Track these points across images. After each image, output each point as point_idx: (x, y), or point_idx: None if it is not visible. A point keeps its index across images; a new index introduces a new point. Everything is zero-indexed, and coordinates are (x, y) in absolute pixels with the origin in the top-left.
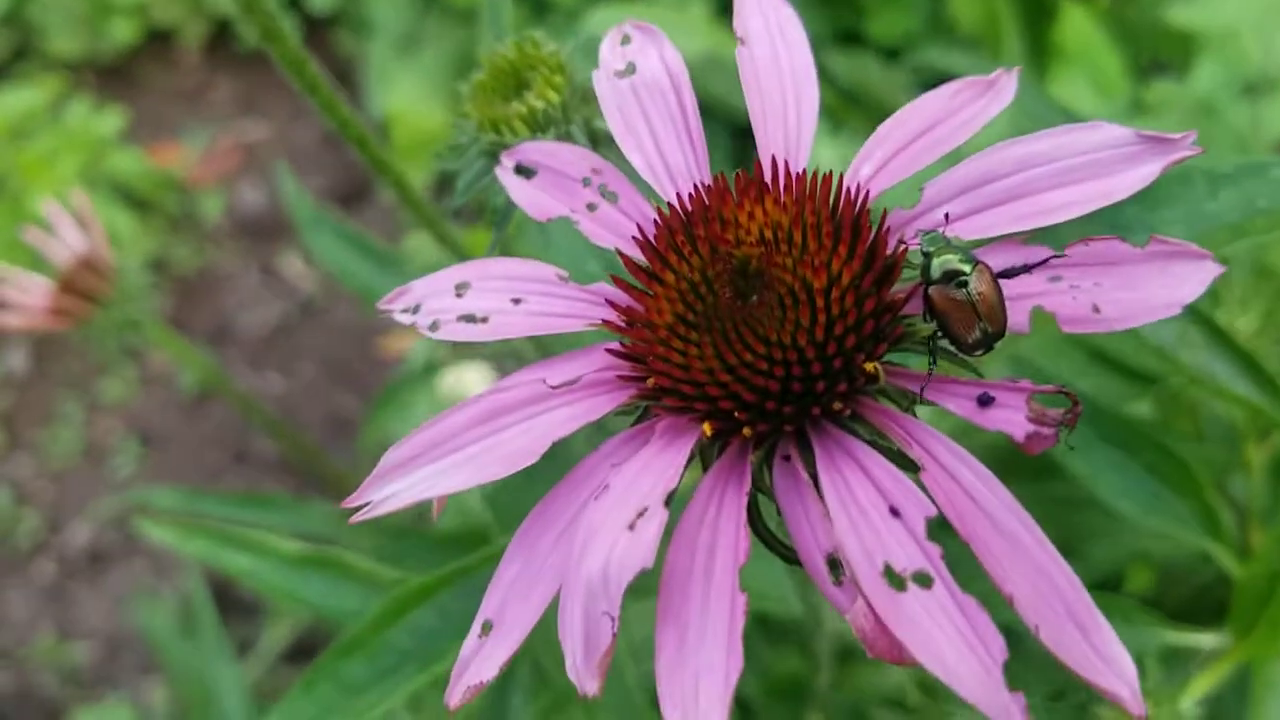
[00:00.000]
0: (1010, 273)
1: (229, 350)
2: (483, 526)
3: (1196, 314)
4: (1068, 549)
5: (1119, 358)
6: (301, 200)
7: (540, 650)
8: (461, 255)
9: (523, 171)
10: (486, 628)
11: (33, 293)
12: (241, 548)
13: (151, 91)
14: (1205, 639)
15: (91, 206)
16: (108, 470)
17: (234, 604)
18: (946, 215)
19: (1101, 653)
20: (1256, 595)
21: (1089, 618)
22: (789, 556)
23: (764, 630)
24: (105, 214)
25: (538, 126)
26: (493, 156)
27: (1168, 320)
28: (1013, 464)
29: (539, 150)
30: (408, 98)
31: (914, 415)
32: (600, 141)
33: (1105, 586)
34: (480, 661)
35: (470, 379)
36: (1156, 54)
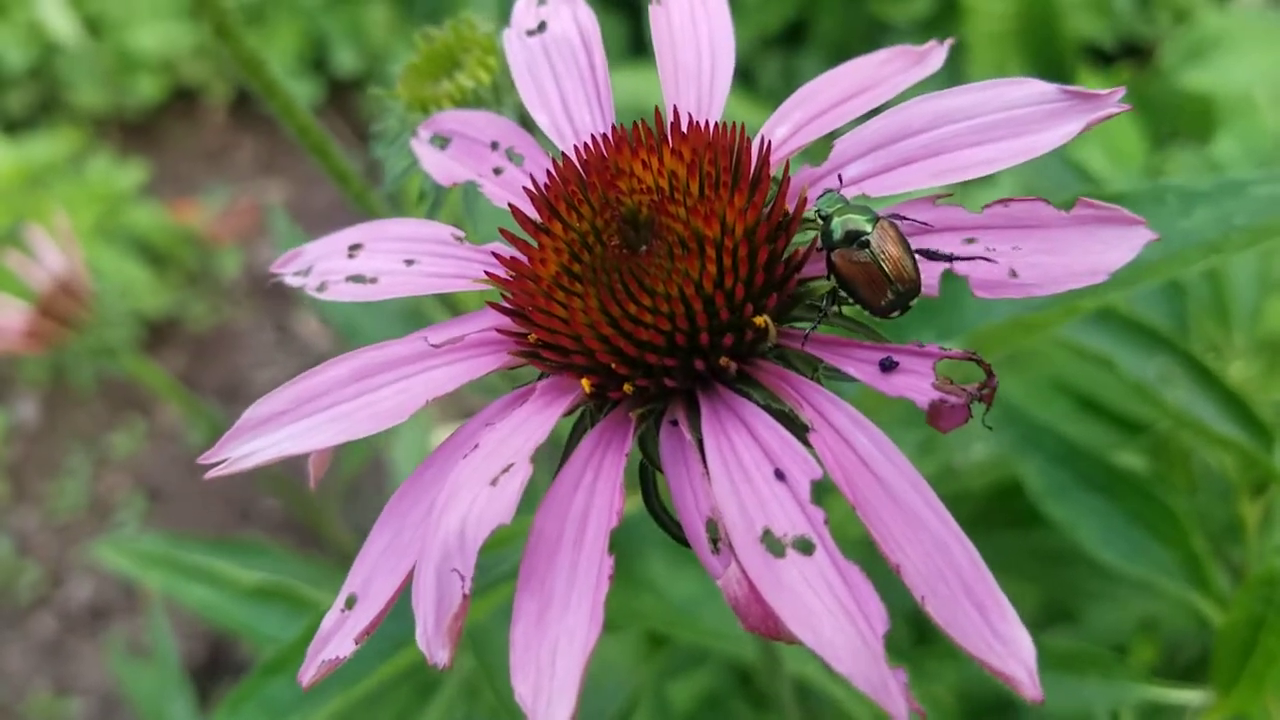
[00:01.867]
0: (929, 254)
1: (240, 408)
2: None
3: (1181, 352)
4: (1061, 611)
5: (1107, 403)
6: (292, 238)
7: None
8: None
9: (438, 141)
10: (350, 602)
11: (11, 316)
12: (199, 579)
13: (175, 148)
14: (1189, 695)
15: (72, 233)
16: (112, 525)
17: (230, 666)
18: (840, 176)
19: (999, 632)
20: (1238, 646)
21: (987, 595)
22: (676, 532)
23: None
24: (121, 266)
25: (467, 106)
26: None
27: (1152, 356)
28: (992, 513)
29: (455, 119)
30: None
31: (819, 382)
32: (532, 125)
33: None
34: (340, 637)
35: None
36: (1176, 127)
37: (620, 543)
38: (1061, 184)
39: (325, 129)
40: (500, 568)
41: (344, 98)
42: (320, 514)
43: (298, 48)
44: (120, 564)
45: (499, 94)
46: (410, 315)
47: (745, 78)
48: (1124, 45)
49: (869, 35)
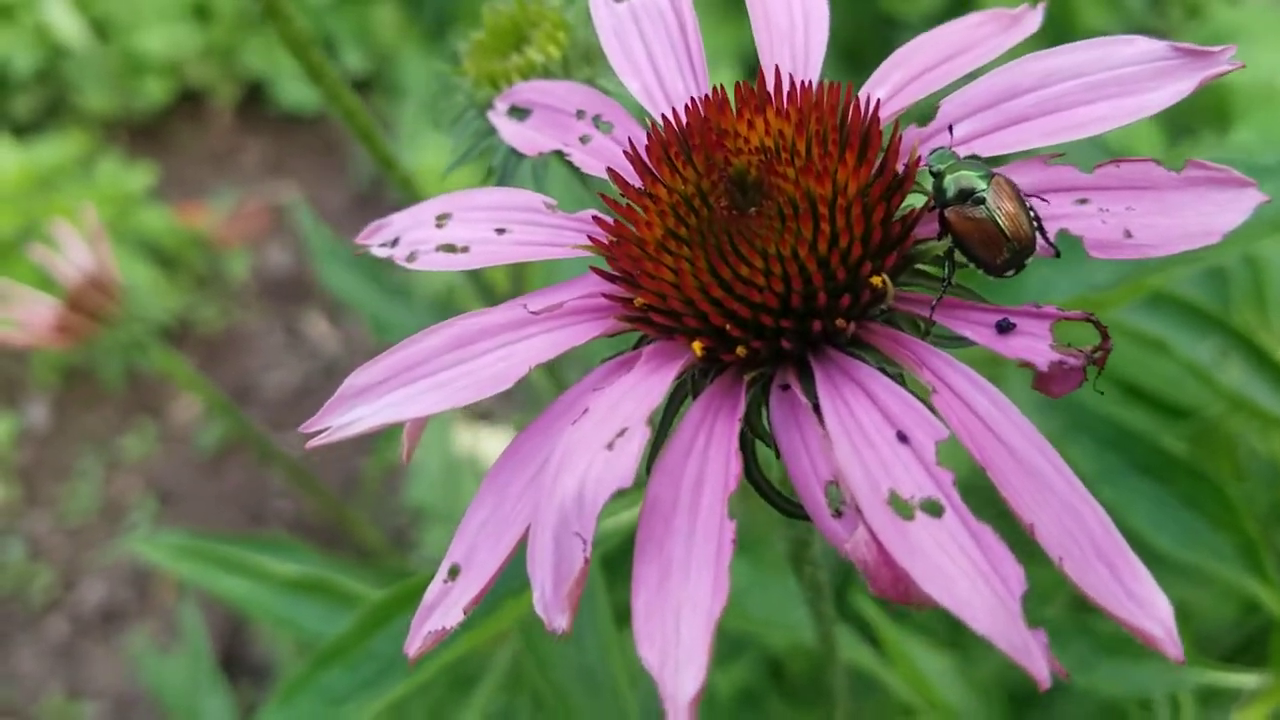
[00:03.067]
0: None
1: (251, 411)
2: None
3: (1236, 334)
4: None
5: (1152, 390)
6: (318, 234)
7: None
8: (489, 292)
9: (516, 113)
10: (454, 572)
11: (40, 311)
12: (236, 571)
13: (182, 151)
14: (1246, 679)
15: (101, 229)
16: (124, 528)
17: (245, 666)
18: (951, 128)
19: (1133, 592)
20: None
21: (1119, 556)
22: (784, 506)
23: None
24: (131, 269)
25: (537, 80)
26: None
27: (1204, 338)
28: None
29: (534, 89)
30: (438, 157)
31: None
32: (610, 96)
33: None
34: (445, 608)
35: (485, 437)
36: (1190, 121)
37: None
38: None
39: (334, 127)
40: None
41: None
42: (336, 508)
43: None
44: (153, 556)
45: (569, 69)
46: (441, 307)
47: (753, 76)
48: None
49: (879, 32)
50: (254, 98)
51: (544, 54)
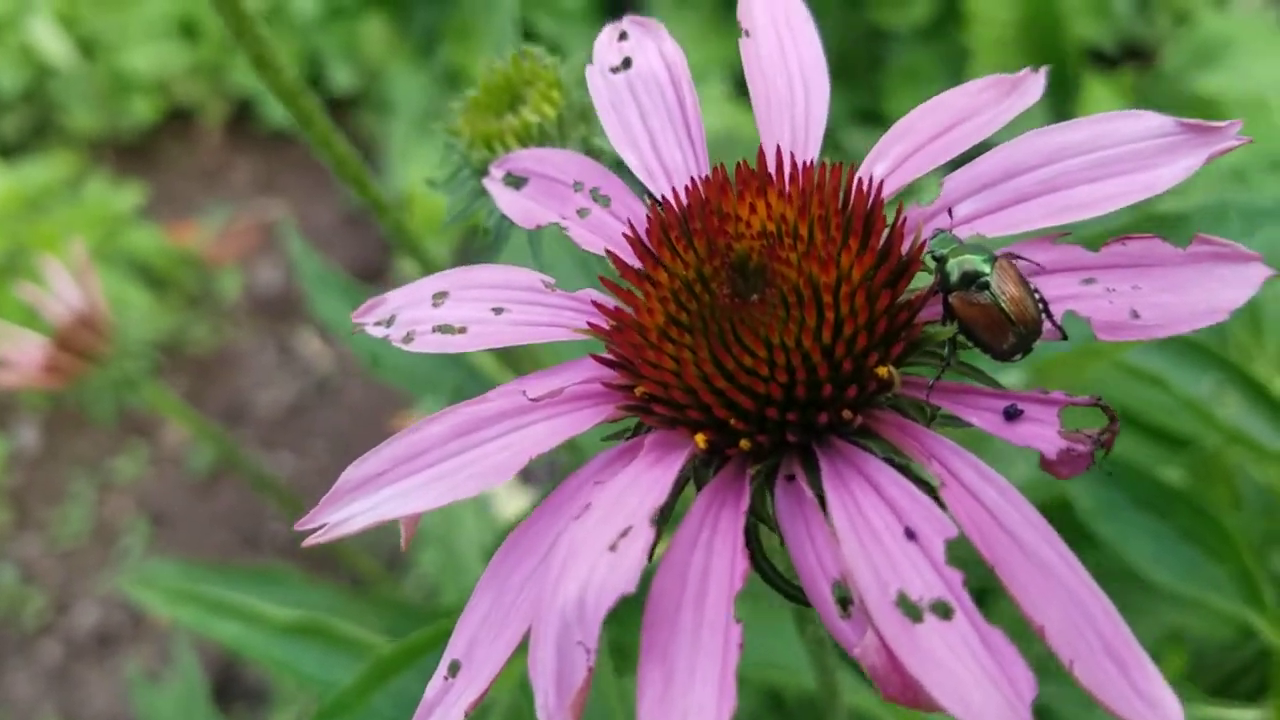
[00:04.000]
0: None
1: (243, 430)
2: None
3: (1234, 369)
4: None
5: (1150, 420)
6: (308, 260)
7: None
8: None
9: (513, 181)
10: (454, 668)
11: (29, 350)
12: (232, 615)
13: (171, 170)
14: (1246, 715)
15: (90, 264)
16: (116, 551)
17: (240, 691)
18: (950, 211)
19: (1142, 691)
20: None
21: (1128, 652)
22: (791, 592)
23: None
24: (121, 290)
25: (532, 142)
26: (485, 174)
27: (1203, 373)
28: None
29: (530, 157)
30: (428, 175)
31: (934, 430)
32: (601, 159)
33: None
34: (446, 707)
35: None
36: None
37: None
38: None
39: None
40: None
41: (340, 115)
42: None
43: (294, 66)
44: (147, 599)
45: (564, 129)
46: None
47: (743, 89)
48: (1124, 47)
49: (869, 42)
50: (243, 116)
51: (539, 114)
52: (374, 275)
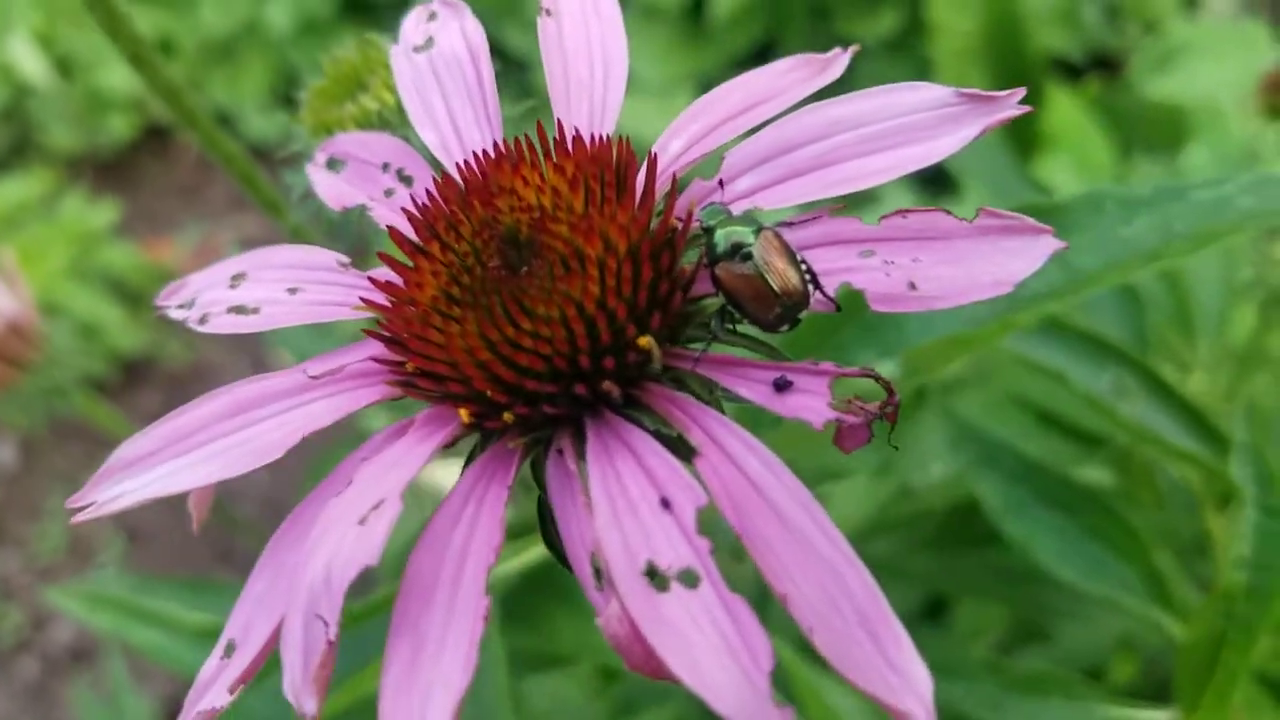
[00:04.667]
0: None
1: None
2: None
3: (1137, 364)
4: (1032, 630)
5: (1066, 418)
6: None
7: None
8: None
9: (334, 164)
10: (230, 649)
11: None
12: (149, 622)
13: (148, 187)
14: (1156, 715)
15: (19, 272)
16: (93, 567)
17: None
18: (721, 183)
19: (895, 664)
20: (1200, 663)
21: (883, 625)
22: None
23: None
24: (95, 305)
25: (371, 129)
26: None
27: (1104, 368)
28: (954, 532)
29: (352, 141)
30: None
31: (718, 406)
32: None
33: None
34: (218, 686)
35: (441, 466)
36: (1148, 140)
37: (571, 576)
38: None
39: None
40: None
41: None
42: None
43: (269, 82)
44: (71, 608)
45: (404, 116)
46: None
47: None
48: (1094, 57)
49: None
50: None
51: (379, 100)
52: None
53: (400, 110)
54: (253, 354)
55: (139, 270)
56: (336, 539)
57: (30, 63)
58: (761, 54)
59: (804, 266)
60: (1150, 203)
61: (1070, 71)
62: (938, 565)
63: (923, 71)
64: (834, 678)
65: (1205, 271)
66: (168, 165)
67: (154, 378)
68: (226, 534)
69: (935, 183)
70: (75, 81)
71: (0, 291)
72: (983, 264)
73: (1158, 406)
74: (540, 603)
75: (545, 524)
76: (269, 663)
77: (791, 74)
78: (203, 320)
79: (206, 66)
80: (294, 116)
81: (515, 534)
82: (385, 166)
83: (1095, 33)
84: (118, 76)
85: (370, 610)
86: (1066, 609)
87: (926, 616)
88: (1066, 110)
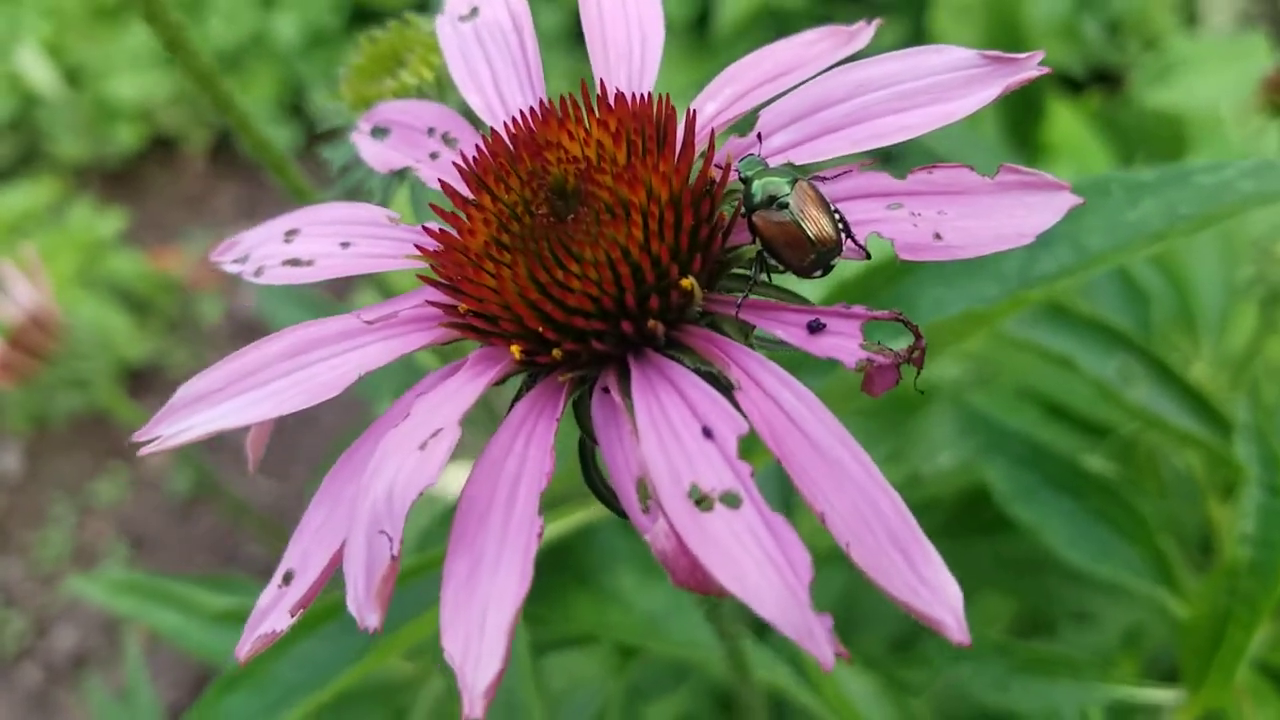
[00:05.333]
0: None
1: (222, 454)
2: None
3: (1143, 351)
4: (1039, 621)
5: (1073, 409)
6: None
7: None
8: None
9: (378, 133)
10: (288, 578)
11: None
12: (170, 604)
13: (155, 196)
14: (1162, 695)
15: (40, 265)
16: (97, 573)
17: None
18: (760, 135)
19: (924, 578)
20: (1205, 641)
21: (914, 544)
22: (616, 506)
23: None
24: (102, 314)
25: None
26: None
27: (1111, 355)
28: (962, 520)
29: (394, 109)
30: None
31: (752, 346)
32: (476, 120)
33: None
34: (278, 612)
35: (451, 469)
36: (1150, 152)
37: (589, 555)
38: None
39: (303, 171)
40: None
41: (324, 138)
42: None
43: (276, 93)
44: (91, 593)
45: (443, 90)
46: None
47: None
48: (1094, 72)
49: None
50: (225, 142)
51: (417, 76)
52: (343, 292)
53: (439, 85)
54: None
55: (145, 279)
56: (397, 463)
57: (39, 73)
58: None
59: (837, 216)
60: (1154, 187)
61: (1071, 85)
62: (946, 554)
63: None
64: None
65: (1207, 271)
66: (174, 175)
67: (160, 386)
68: (231, 540)
69: None
70: (83, 91)
71: (22, 284)
72: (1004, 217)
73: (1163, 391)
74: (559, 583)
75: (586, 464)
76: (325, 609)
77: (820, 44)
78: (258, 273)
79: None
80: (333, 94)
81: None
82: (430, 131)
83: (1096, 48)
84: (126, 86)
85: (424, 565)
86: (1074, 599)
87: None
88: (1068, 123)
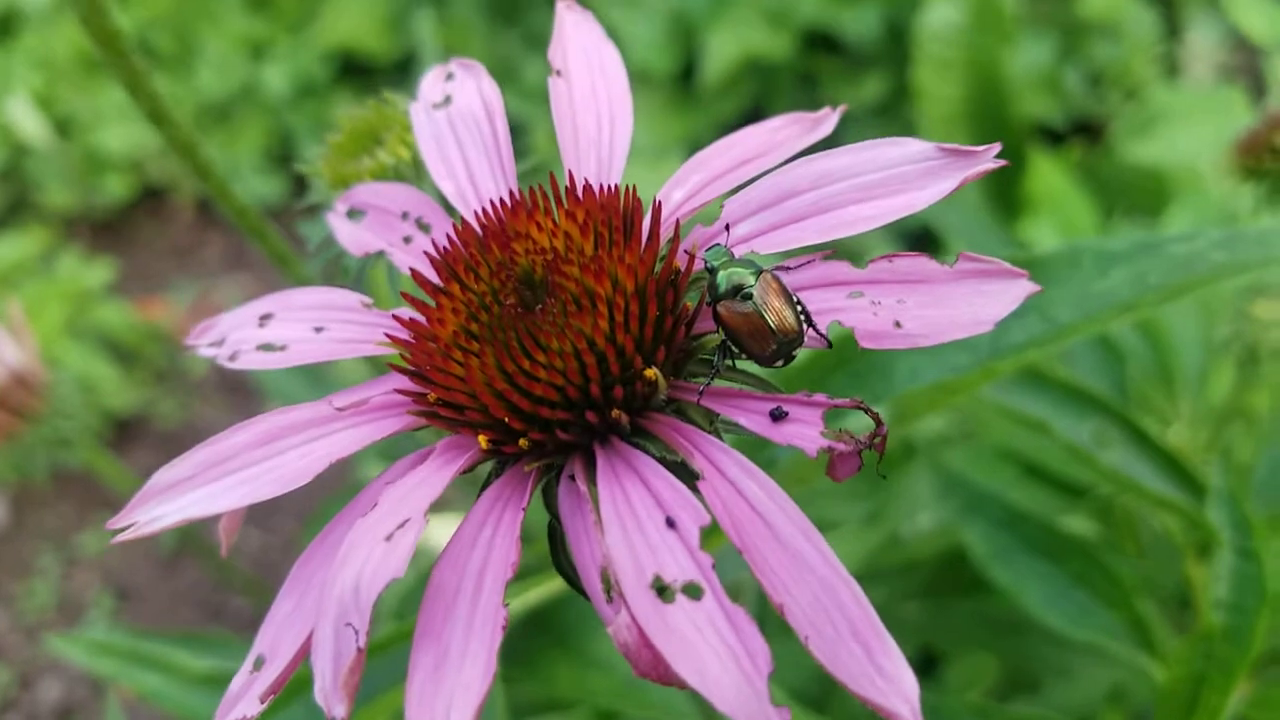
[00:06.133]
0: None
1: None
2: None
3: (1117, 414)
4: (1021, 682)
5: (1050, 469)
6: None
7: None
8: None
9: (354, 215)
10: (258, 663)
11: None
12: (151, 666)
13: (144, 246)
14: None
15: (25, 323)
16: (82, 625)
17: None
18: (728, 226)
19: (882, 669)
20: (1180, 704)
21: (873, 636)
22: (582, 588)
23: None
24: (89, 364)
25: (388, 182)
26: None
27: (1086, 419)
28: (942, 581)
29: (369, 191)
30: (378, 282)
31: (718, 435)
32: (449, 205)
33: None
34: (249, 698)
35: (435, 525)
36: (1130, 204)
37: (569, 619)
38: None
39: (291, 223)
40: None
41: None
42: None
43: (264, 144)
44: (73, 654)
45: (419, 170)
46: (320, 378)
47: None
48: (1076, 123)
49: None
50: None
51: (394, 156)
52: None
53: (415, 165)
54: (246, 412)
55: (132, 330)
56: (365, 554)
57: (29, 123)
58: (750, 119)
59: (799, 307)
60: (1126, 256)
61: (1053, 137)
62: (928, 615)
63: (909, 136)
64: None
65: (1185, 330)
66: (163, 225)
67: (146, 437)
68: (217, 593)
69: (921, 241)
70: (73, 142)
71: (6, 342)
72: (963, 305)
73: (1137, 455)
74: (539, 647)
75: (555, 548)
76: (293, 684)
77: (783, 131)
78: (233, 357)
79: (204, 129)
80: (311, 168)
81: (513, 579)
82: (404, 215)
83: (1077, 100)
84: (115, 137)
85: (395, 638)
86: (1055, 660)
87: (918, 670)
88: (1049, 175)
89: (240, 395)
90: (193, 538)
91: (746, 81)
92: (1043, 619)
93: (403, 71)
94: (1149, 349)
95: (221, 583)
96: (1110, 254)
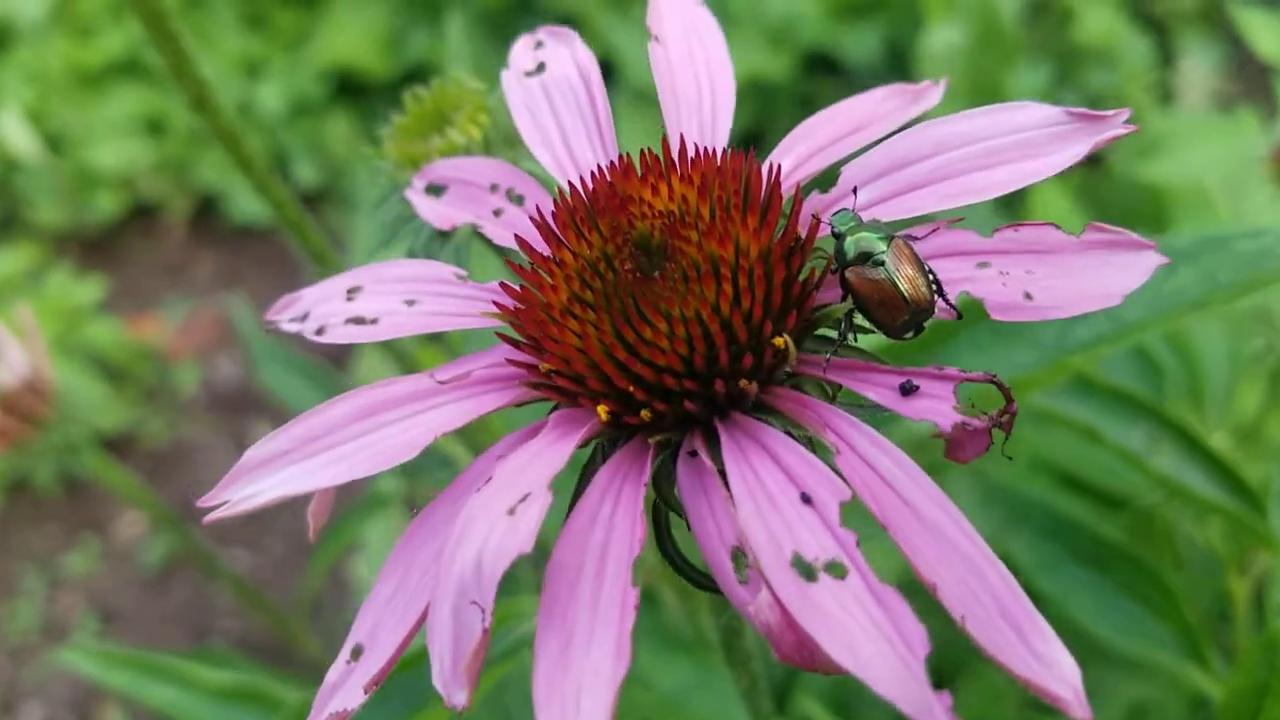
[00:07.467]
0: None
1: (196, 528)
2: None
3: (1167, 420)
4: (1036, 702)
5: (1090, 480)
6: (259, 337)
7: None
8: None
9: (433, 190)
10: (356, 652)
11: None
12: (165, 679)
13: (135, 263)
14: None
15: (37, 330)
16: (66, 647)
17: None
18: (855, 190)
19: (1039, 653)
20: (1243, 715)
21: (1025, 618)
22: (693, 576)
23: None
24: (78, 381)
25: None
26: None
27: (1135, 425)
28: None
29: (449, 165)
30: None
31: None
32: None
33: None
34: (348, 688)
35: None
36: (1133, 225)
37: None
38: None
39: (289, 237)
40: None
41: (306, 210)
42: (283, 623)
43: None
44: (83, 667)
45: (490, 150)
46: (338, 389)
47: None
48: None
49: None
50: (207, 211)
51: (465, 135)
52: (342, 360)
53: (486, 144)
54: (235, 432)
55: (122, 348)
56: (485, 529)
57: (20, 138)
58: (749, 140)
59: (931, 275)
60: (1192, 254)
61: None
62: None
63: None
64: None
65: (1212, 343)
66: (154, 243)
67: (134, 456)
68: (203, 615)
69: None
70: (65, 158)
71: (17, 350)
72: (1092, 277)
73: (1186, 460)
74: None
75: (661, 534)
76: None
77: (887, 101)
78: (320, 331)
79: (197, 146)
80: (376, 151)
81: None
82: (494, 187)
83: None
84: (107, 154)
85: None
86: (1089, 676)
87: (950, 680)
88: (1052, 198)
89: (229, 414)
90: (189, 548)
91: (745, 103)
92: (1092, 629)
93: (400, 91)
94: (1179, 363)
95: (209, 604)
96: (1176, 252)
